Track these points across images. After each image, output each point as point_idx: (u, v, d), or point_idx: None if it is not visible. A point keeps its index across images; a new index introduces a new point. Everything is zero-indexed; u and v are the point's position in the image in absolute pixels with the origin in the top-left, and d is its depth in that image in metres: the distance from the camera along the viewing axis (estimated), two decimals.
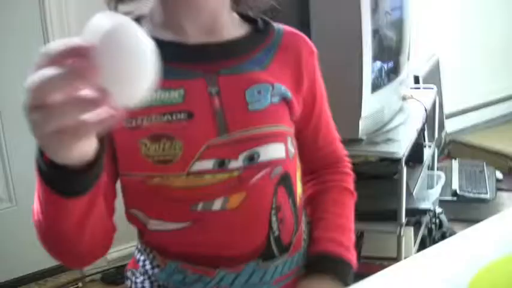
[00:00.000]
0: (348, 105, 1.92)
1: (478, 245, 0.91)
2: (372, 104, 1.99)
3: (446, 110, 3.39)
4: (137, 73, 0.58)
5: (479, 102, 3.84)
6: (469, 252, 0.86)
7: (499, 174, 3.19)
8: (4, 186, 2.50)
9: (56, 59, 0.55)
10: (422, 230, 2.35)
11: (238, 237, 0.96)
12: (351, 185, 1.16)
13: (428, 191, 2.45)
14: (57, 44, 0.55)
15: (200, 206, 0.92)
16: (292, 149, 1.01)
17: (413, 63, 2.69)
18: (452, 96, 3.44)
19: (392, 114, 2.23)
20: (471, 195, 2.83)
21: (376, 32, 2.00)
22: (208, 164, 0.92)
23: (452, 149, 3.59)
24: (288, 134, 1.00)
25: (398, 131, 2.14)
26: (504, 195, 3.05)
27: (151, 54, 0.59)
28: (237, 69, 0.96)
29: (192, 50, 0.95)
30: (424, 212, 2.22)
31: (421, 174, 2.40)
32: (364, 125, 1.99)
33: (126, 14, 0.95)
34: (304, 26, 1.81)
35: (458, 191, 2.86)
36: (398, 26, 2.29)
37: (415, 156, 2.39)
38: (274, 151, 0.97)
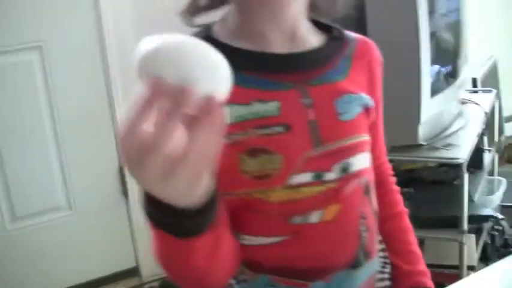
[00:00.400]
0: (407, 110, 1.89)
1: None
2: (431, 109, 1.96)
3: (505, 113, 3.31)
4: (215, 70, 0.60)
5: None
6: None
7: None
8: (63, 195, 2.54)
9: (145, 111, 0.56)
10: (484, 237, 2.30)
11: (333, 249, 0.94)
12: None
13: (489, 197, 2.39)
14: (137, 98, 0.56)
15: (297, 219, 0.91)
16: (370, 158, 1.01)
17: (471, 66, 2.64)
18: (510, 99, 3.36)
19: (452, 118, 2.20)
20: None
21: (433, 35, 1.98)
22: (305, 176, 0.90)
23: (511, 153, 3.50)
24: (369, 142, 0.99)
25: (458, 136, 2.10)
26: None
27: (215, 54, 0.61)
28: (325, 79, 0.95)
29: (281, 60, 0.93)
30: (486, 218, 2.17)
31: (482, 180, 2.35)
32: (423, 131, 1.96)
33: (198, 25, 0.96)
34: (361, 30, 1.80)
35: None
36: (455, 28, 2.25)
37: (475, 161, 2.34)
38: (362, 161, 0.96)
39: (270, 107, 0.89)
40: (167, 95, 0.56)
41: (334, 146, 0.93)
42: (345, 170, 0.93)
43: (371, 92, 1.02)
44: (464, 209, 1.90)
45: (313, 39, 0.98)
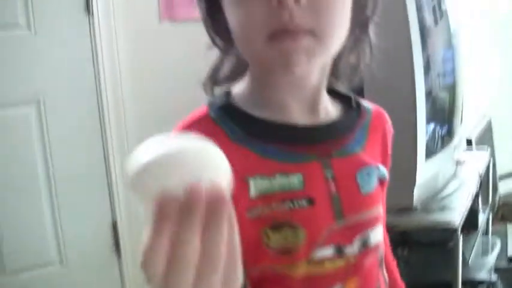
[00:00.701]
0: (402, 172, 1.88)
1: None
2: (427, 171, 1.96)
3: (499, 171, 3.32)
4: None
5: None
6: None
7: None
8: (55, 249, 2.52)
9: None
10: None
11: None
12: None
13: (483, 259, 2.38)
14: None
15: None
16: None
17: (466, 125, 2.65)
18: (505, 157, 3.37)
19: (447, 180, 2.19)
20: None
21: (429, 94, 1.99)
22: (328, 250, 0.89)
23: (506, 211, 3.50)
24: (382, 215, 0.99)
25: (453, 198, 2.10)
26: None
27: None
28: (346, 151, 0.94)
29: (303, 132, 0.92)
30: (480, 283, 2.15)
31: (476, 241, 2.34)
32: (418, 193, 1.95)
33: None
34: (356, 89, 1.80)
35: None
36: (451, 88, 2.27)
37: (470, 222, 2.33)
38: (379, 234, 0.96)
39: (294, 180, 0.88)
40: (177, 206, 0.52)
41: (355, 220, 0.92)
42: (364, 243, 0.93)
43: (384, 163, 1.01)
44: (458, 273, 1.89)
45: (332, 109, 0.97)
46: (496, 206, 3.08)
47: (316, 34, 0.83)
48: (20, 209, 2.43)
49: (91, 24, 2.46)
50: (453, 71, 2.26)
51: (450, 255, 1.91)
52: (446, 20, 2.16)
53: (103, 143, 2.54)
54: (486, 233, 2.68)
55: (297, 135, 0.92)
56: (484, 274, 2.14)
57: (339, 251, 0.90)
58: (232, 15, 0.86)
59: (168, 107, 2.60)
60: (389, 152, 1.06)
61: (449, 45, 2.19)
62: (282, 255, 0.87)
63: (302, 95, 0.92)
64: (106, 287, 2.61)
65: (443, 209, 1.98)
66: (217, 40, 0.94)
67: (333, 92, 1.00)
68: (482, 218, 2.46)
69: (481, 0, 3.48)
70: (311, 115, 0.94)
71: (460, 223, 1.88)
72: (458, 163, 2.35)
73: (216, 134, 0.86)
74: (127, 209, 2.58)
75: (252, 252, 0.85)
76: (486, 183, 2.64)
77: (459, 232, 1.87)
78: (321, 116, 0.94)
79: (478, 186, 2.32)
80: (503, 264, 2.71)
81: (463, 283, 1.94)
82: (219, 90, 0.97)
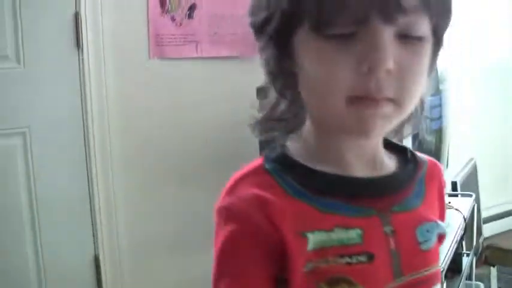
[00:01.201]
0: None
1: None
2: None
3: (484, 214, 3.34)
4: None
5: None
6: None
7: None
8: (36, 283, 2.49)
9: None
10: None
11: None
12: None
13: None
14: None
15: None
16: None
17: (451, 169, 2.67)
18: (490, 201, 3.40)
19: None
20: None
21: (415, 137, 1.99)
22: None
23: (489, 254, 3.50)
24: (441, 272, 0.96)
25: None
26: None
27: None
28: (406, 206, 0.90)
29: (363, 185, 0.89)
30: None
31: (460, 285, 2.34)
32: None
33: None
34: None
35: None
36: (438, 132, 2.28)
37: (454, 266, 2.33)
38: None
39: (353, 235, 0.84)
40: None
41: (415, 277, 0.88)
42: None
43: (441, 217, 0.98)
44: None
45: (388, 162, 0.95)
46: (480, 249, 3.09)
47: (397, 103, 0.81)
48: (1, 241, 2.40)
49: (80, 59, 2.47)
50: (440, 117, 2.28)
51: None
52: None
53: (88, 177, 2.53)
54: (470, 277, 2.68)
55: (357, 189, 0.88)
56: None
57: None
58: (311, 70, 0.83)
59: (154, 143, 2.61)
60: (445, 205, 1.02)
61: (437, 91, 2.21)
62: None
63: (363, 153, 0.90)
64: None
65: None
66: (287, 93, 0.91)
67: (387, 145, 0.97)
68: (466, 261, 2.46)
69: (470, 45, 3.53)
70: (370, 169, 0.91)
71: (444, 267, 1.88)
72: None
73: (272, 187, 0.84)
74: (109, 242, 2.56)
75: None
76: (471, 227, 2.65)
77: (443, 277, 1.86)
78: (379, 170, 0.92)
79: (463, 230, 2.33)
80: None
81: None
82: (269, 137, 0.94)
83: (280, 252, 0.82)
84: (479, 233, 3.00)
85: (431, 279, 0.91)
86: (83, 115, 2.49)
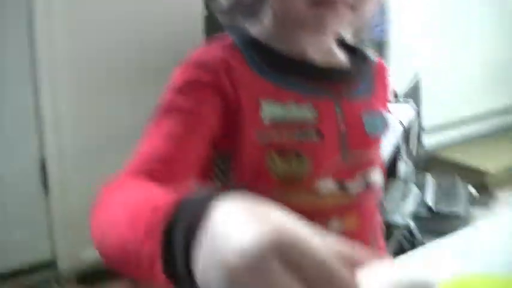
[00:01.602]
0: None
1: (439, 260, 0.94)
2: None
3: (425, 125, 3.43)
4: None
5: (457, 119, 3.89)
6: (430, 265, 0.88)
7: (473, 190, 3.23)
8: None
9: None
10: (395, 244, 2.38)
11: None
12: None
13: (401, 206, 2.49)
14: None
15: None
16: None
17: (395, 81, 2.72)
18: (431, 113, 3.48)
19: None
20: (445, 210, 2.87)
21: None
22: (330, 184, 0.93)
23: (428, 164, 3.63)
24: (382, 159, 1.05)
25: None
26: (478, 211, 3.09)
27: None
28: (356, 95, 0.98)
29: (320, 70, 0.96)
30: (396, 225, 2.26)
31: (395, 188, 2.44)
32: None
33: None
34: None
35: (432, 206, 2.90)
36: (380, 45, 2.32)
37: (391, 171, 2.44)
38: (378, 175, 1.01)
39: (307, 113, 0.91)
40: None
41: (360, 158, 0.96)
42: (366, 182, 0.97)
43: (386, 110, 1.06)
44: None
45: (343, 58, 1.02)
46: (419, 158, 3.20)
47: (354, 8, 0.89)
48: None
49: None
50: (382, 30, 2.32)
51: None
52: None
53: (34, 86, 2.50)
54: (407, 183, 2.79)
55: (312, 72, 0.95)
56: (400, 218, 2.24)
57: (341, 186, 0.94)
58: None
59: (100, 51, 2.58)
60: (389, 102, 1.10)
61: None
62: (285, 182, 0.90)
63: (319, 45, 0.97)
64: (32, 222, 2.61)
65: None
66: None
67: (342, 44, 1.04)
68: (403, 167, 2.56)
69: None
70: (326, 60, 0.98)
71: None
72: None
73: (237, 58, 0.91)
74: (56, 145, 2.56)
75: (255, 173, 0.89)
76: (410, 136, 2.74)
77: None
78: (333, 62, 0.99)
79: (401, 136, 2.42)
80: (423, 212, 2.84)
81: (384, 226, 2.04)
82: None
83: (232, 118, 0.88)
84: (419, 142, 3.11)
85: (373, 162, 1.00)
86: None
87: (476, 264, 0.91)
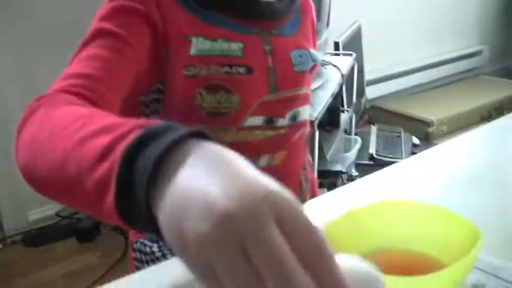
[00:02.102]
0: None
1: (371, 191, 0.97)
2: None
3: (368, 77, 3.47)
4: None
5: (400, 70, 3.93)
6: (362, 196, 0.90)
7: (416, 140, 3.30)
8: None
9: None
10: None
11: None
12: None
13: (344, 155, 2.52)
14: None
15: None
16: None
17: (334, 30, 2.74)
18: (373, 64, 3.52)
19: None
20: (387, 159, 2.92)
21: None
22: (258, 120, 0.94)
23: (372, 115, 3.69)
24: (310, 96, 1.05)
25: (314, 96, 2.19)
26: None
27: None
28: (283, 31, 0.98)
29: (246, 7, 0.95)
30: (337, 174, 2.29)
31: (337, 138, 2.47)
32: None
33: None
34: None
35: (374, 155, 2.95)
36: None
37: (332, 120, 2.46)
38: (307, 112, 1.03)
39: (235, 47, 0.91)
40: None
41: (288, 94, 0.97)
42: (294, 118, 0.98)
43: (314, 47, 1.07)
44: (314, 164, 2.00)
45: None
46: (362, 109, 3.24)
47: None
48: None
49: None
50: None
51: (309, 148, 2.02)
52: None
53: None
54: (350, 133, 2.84)
55: (241, 9, 0.94)
56: (341, 167, 2.27)
57: (270, 122, 0.95)
58: None
59: None
60: (317, 40, 1.11)
61: None
62: (213, 117, 0.90)
63: None
64: None
65: None
66: None
67: None
68: (345, 117, 2.60)
69: None
70: None
71: (317, 117, 1.99)
72: (322, 64, 2.45)
73: None
74: None
75: (183, 109, 0.89)
76: (351, 86, 2.77)
77: (316, 125, 1.97)
78: None
79: (340, 86, 2.44)
80: (365, 161, 2.89)
81: (321, 173, 2.08)
82: None
83: (160, 52, 0.87)
84: (362, 93, 3.15)
85: (302, 99, 1.01)
86: None
87: (407, 192, 0.95)
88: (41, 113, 0.68)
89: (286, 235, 0.40)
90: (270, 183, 0.43)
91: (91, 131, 0.56)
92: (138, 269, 0.96)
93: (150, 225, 0.46)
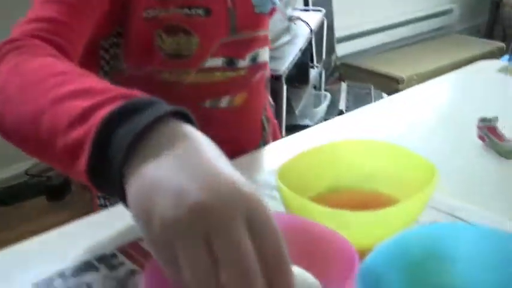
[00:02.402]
0: None
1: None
2: None
3: (338, 34, 3.46)
4: None
5: (371, 28, 3.92)
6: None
7: (386, 97, 3.30)
8: None
9: None
10: None
11: (240, 135, 1.00)
12: None
13: (313, 110, 2.53)
14: None
15: (208, 103, 0.94)
16: None
17: None
18: (344, 21, 3.50)
19: (277, 34, 2.28)
20: None
21: None
22: (218, 61, 0.94)
23: (342, 72, 3.68)
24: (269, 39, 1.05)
25: (283, 50, 2.20)
26: None
27: None
28: None
29: None
30: (305, 128, 2.30)
31: (306, 94, 2.48)
32: None
33: None
34: None
35: (344, 111, 2.96)
36: None
37: (301, 76, 2.47)
38: (266, 54, 1.03)
39: None
40: None
41: (248, 36, 0.97)
42: (254, 59, 0.98)
43: None
44: (282, 118, 2.01)
45: None
46: (333, 65, 3.25)
47: None
48: None
49: None
50: None
51: (277, 103, 2.02)
52: None
53: None
54: (319, 89, 2.84)
55: None
56: (309, 121, 2.28)
57: (230, 63, 0.95)
58: None
59: None
60: None
61: None
62: (173, 59, 0.90)
63: None
64: None
65: (270, 59, 2.07)
66: None
67: None
68: (314, 73, 2.60)
69: None
70: None
71: (285, 71, 1.99)
72: (291, 19, 2.44)
73: None
74: None
75: (142, 51, 0.88)
76: (320, 42, 2.77)
77: (283, 79, 1.97)
78: None
79: (309, 41, 2.44)
80: (334, 117, 2.89)
81: (289, 128, 2.09)
82: None
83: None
84: (332, 49, 3.14)
85: (262, 41, 1.01)
86: None
87: (370, 134, 0.96)
88: (11, 61, 0.67)
89: (252, 235, 0.41)
90: (245, 182, 0.43)
91: (70, 91, 0.56)
92: None
93: (119, 194, 0.47)
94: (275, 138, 1.12)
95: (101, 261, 0.64)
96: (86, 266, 0.63)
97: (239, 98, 0.98)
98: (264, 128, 1.05)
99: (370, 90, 3.27)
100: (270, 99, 1.13)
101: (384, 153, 0.76)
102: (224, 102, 0.96)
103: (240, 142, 1.01)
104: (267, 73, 1.06)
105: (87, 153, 0.48)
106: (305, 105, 2.42)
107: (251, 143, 1.03)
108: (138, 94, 0.52)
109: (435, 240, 0.55)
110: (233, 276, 0.39)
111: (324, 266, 0.54)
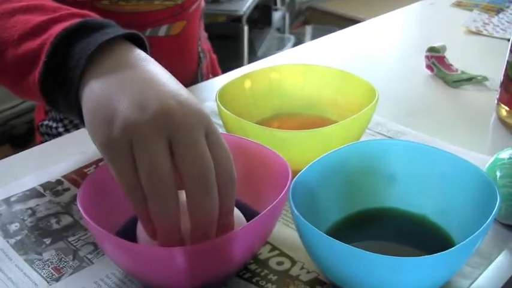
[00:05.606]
0: None
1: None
2: None
3: None
4: None
5: None
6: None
7: None
8: None
9: None
10: None
11: (178, 64, 0.99)
12: None
13: (275, 52, 2.52)
14: None
15: (148, 32, 0.94)
16: None
17: None
18: None
19: None
20: None
21: None
22: None
23: (308, 16, 3.67)
24: None
25: None
26: None
27: None
28: None
29: None
30: None
31: (269, 36, 2.47)
32: None
33: None
34: None
35: None
36: None
37: (264, 18, 2.45)
38: None
39: None
40: None
41: None
42: None
43: None
44: (244, 60, 2.01)
45: None
46: (297, 8, 3.23)
47: None
48: None
49: None
50: None
51: (239, 45, 2.02)
52: None
53: None
54: (283, 32, 2.83)
55: None
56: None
57: None
58: None
59: None
60: None
61: None
62: None
63: None
64: None
65: (231, 0, 2.07)
66: None
67: None
68: (277, 15, 2.59)
69: None
70: None
71: (245, 12, 1.98)
72: None
73: None
74: None
75: None
76: None
77: (244, 21, 1.97)
78: None
79: None
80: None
81: None
82: None
83: None
84: None
85: None
86: None
87: (322, 62, 0.97)
88: None
89: (209, 148, 0.43)
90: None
91: (23, 6, 0.55)
92: None
93: (75, 104, 0.48)
94: (215, 74, 1.13)
95: (46, 187, 0.65)
96: (31, 193, 0.64)
97: (177, 27, 0.99)
98: (199, 58, 1.06)
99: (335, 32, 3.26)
100: (205, 32, 1.14)
101: (326, 78, 0.76)
102: (163, 30, 0.97)
103: (177, 71, 1.01)
104: (202, 4, 1.06)
105: (41, 66, 0.49)
106: (268, 47, 2.41)
107: (188, 74, 1.04)
108: (92, 14, 0.53)
109: (368, 156, 0.57)
110: (193, 181, 0.41)
111: (261, 184, 0.55)
